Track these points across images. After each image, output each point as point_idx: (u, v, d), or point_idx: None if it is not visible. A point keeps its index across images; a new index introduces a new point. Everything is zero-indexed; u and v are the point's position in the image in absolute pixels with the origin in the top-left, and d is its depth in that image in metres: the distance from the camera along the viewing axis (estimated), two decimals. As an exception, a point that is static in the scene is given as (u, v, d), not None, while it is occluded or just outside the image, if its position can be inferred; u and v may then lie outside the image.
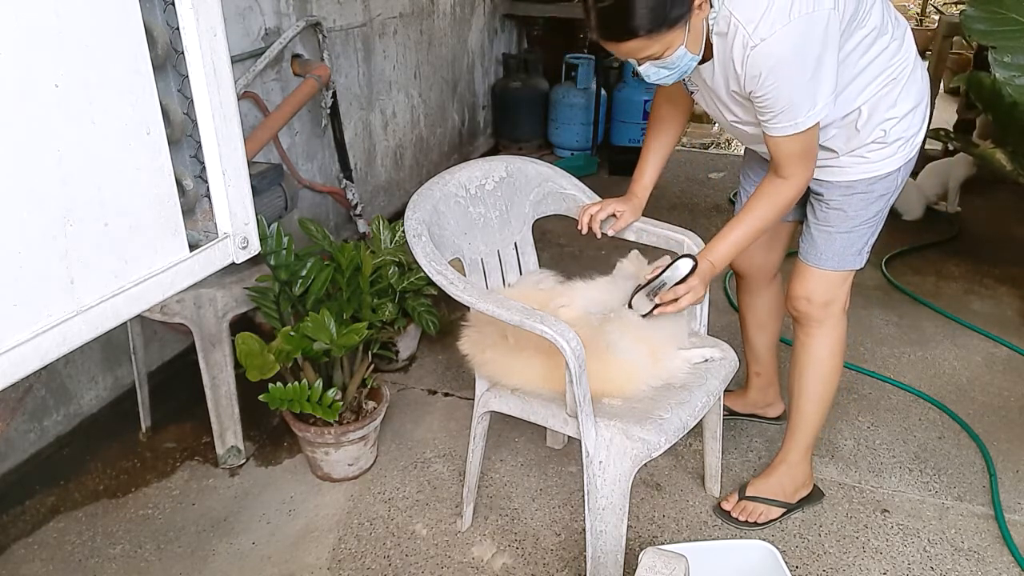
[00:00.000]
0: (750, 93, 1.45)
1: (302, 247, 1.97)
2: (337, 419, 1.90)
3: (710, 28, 1.42)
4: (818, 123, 1.46)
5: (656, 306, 1.60)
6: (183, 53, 0.94)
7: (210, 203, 1.02)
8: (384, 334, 2.15)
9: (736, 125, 1.64)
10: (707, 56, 1.48)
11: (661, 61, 1.42)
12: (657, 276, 1.60)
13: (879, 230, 1.74)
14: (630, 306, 1.63)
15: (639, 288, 1.62)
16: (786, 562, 1.54)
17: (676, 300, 1.58)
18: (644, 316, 1.61)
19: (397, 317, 2.04)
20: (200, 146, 0.99)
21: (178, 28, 0.92)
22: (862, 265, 1.75)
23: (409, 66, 3.50)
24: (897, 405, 2.41)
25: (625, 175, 2.52)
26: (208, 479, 2.07)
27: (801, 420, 1.88)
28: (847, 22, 1.43)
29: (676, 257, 1.59)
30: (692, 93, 1.68)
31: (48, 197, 0.81)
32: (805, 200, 1.77)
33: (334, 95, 2.72)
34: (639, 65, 1.46)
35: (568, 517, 1.95)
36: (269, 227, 1.85)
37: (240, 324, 2.03)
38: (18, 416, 1.89)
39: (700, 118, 5.13)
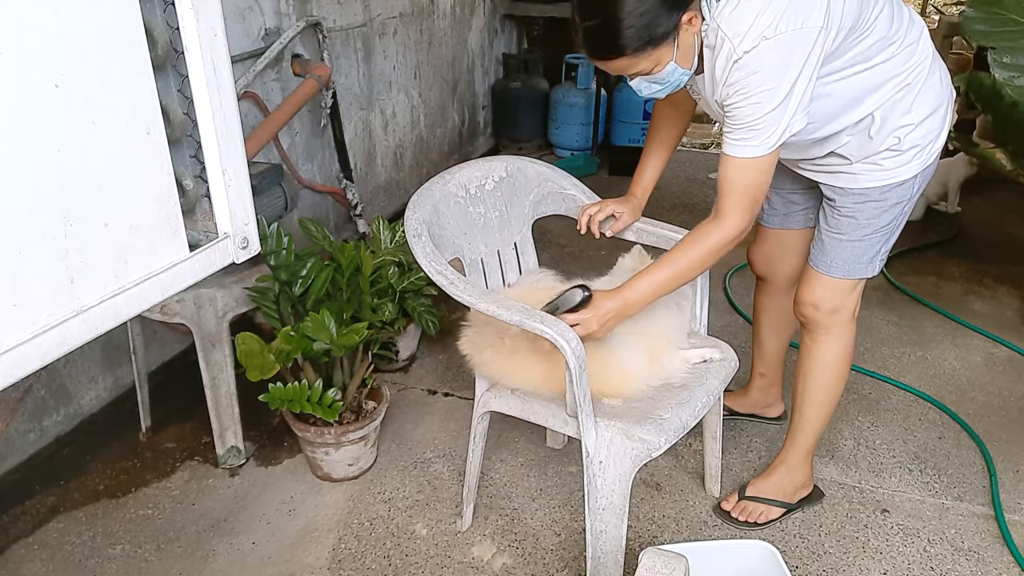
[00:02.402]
0: (723, 101, 1.42)
1: (302, 247, 1.97)
2: (337, 419, 1.90)
3: (702, 41, 1.41)
4: (771, 158, 1.42)
5: None
6: (183, 53, 0.93)
7: (210, 203, 1.02)
8: (384, 334, 2.15)
9: None
10: (702, 68, 1.47)
11: (652, 76, 1.42)
12: (555, 298, 1.52)
13: (895, 238, 1.69)
14: None
15: (544, 305, 1.54)
16: (786, 562, 1.54)
17: None
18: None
19: (397, 317, 2.04)
20: (200, 146, 0.99)
21: (178, 28, 0.92)
22: (874, 274, 1.70)
23: (409, 66, 3.50)
24: (897, 405, 2.41)
25: (625, 175, 2.52)
26: (208, 479, 2.07)
27: (803, 423, 1.87)
28: (846, 34, 1.40)
29: (574, 285, 1.53)
30: (697, 102, 1.67)
31: (48, 197, 0.81)
32: (818, 206, 1.75)
33: (334, 95, 2.72)
34: (630, 80, 1.45)
35: (568, 517, 1.95)
36: (269, 227, 1.85)
37: (240, 324, 2.03)
38: (18, 416, 1.89)
39: (700, 118, 5.13)
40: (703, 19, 1.37)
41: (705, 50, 1.42)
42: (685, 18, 1.34)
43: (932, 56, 1.57)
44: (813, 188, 1.77)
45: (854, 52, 1.45)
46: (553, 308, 1.52)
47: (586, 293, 1.50)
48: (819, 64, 1.37)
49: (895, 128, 1.55)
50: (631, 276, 1.56)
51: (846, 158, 1.60)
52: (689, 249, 1.52)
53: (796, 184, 1.82)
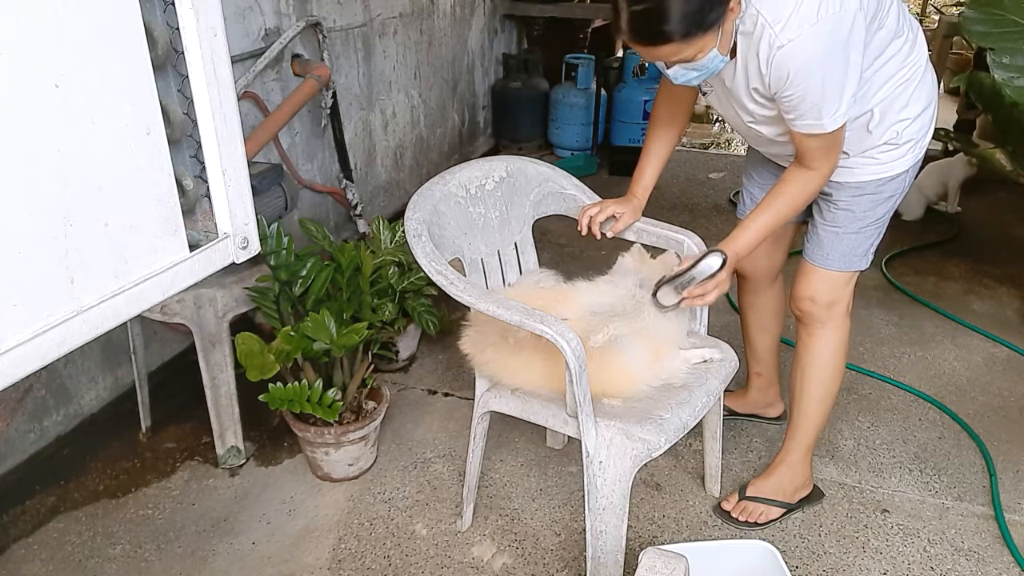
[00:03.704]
0: (775, 93, 1.44)
1: (302, 247, 1.97)
2: (337, 419, 1.90)
3: (736, 27, 1.41)
4: (843, 124, 1.46)
5: (683, 299, 1.60)
6: (183, 53, 0.94)
7: (210, 203, 1.02)
8: (384, 334, 2.15)
9: (752, 126, 1.63)
10: (733, 54, 1.47)
11: (692, 64, 1.40)
12: (686, 271, 1.58)
13: (884, 231, 1.74)
14: (654, 296, 1.63)
15: (665, 280, 1.61)
16: (786, 562, 1.54)
17: (704, 295, 1.58)
18: (666, 308, 1.62)
19: (397, 317, 2.04)
20: (200, 146, 0.99)
21: (178, 28, 0.92)
22: (867, 266, 1.75)
23: (409, 66, 3.50)
24: (897, 405, 2.41)
25: (625, 175, 2.51)
26: (208, 479, 2.07)
27: (802, 420, 1.87)
28: (869, 20, 1.42)
29: (704, 253, 1.58)
30: (705, 94, 1.66)
31: (48, 197, 0.81)
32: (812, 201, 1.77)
33: (334, 95, 2.72)
34: (667, 68, 1.44)
35: (568, 517, 1.95)
36: (269, 227, 1.85)
37: (240, 324, 2.03)
38: (18, 416, 1.89)
39: (700, 118, 5.13)
40: (740, 3, 1.37)
41: (740, 37, 1.42)
42: (730, 4, 1.33)
43: (926, 55, 1.61)
44: None
45: (872, 45, 1.47)
46: (690, 279, 1.57)
47: (724, 257, 1.56)
48: (862, 41, 1.39)
49: (893, 123, 1.58)
50: (736, 228, 1.62)
51: (844, 152, 1.61)
52: (787, 195, 1.57)
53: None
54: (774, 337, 2.14)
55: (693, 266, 1.58)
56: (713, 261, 1.56)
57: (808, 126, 1.45)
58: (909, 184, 1.68)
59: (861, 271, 1.76)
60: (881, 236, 1.73)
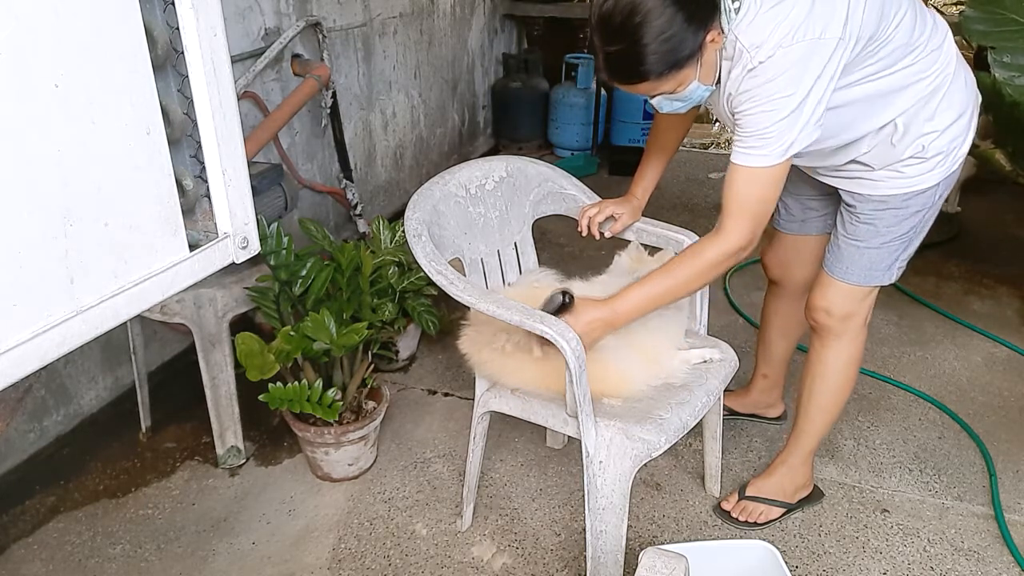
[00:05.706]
0: (733, 110, 1.40)
1: (302, 247, 1.97)
2: (337, 419, 1.90)
3: (719, 54, 1.39)
4: (780, 169, 1.39)
5: None
6: (183, 53, 0.93)
7: (210, 203, 1.02)
8: (384, 334, 2.15)
9: None
10: (719, 79, 1.45)
11: (674, 95, 1.40)
12: (546, 301, 1.50)
13: (915, 245, 1.65)
14: None
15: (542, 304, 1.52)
16: (786, 562, 1.54)
17: None
18: None
19: (397, 317, 2.04)
20: (200, 146, 0.99)
21: (178, 28, 0.92)
22: (891, 281, 1.66)
23: (409, 66, 3.50)
24: (897, 405, 2.40)
25: (625, 175, 2.52)
26: (208, 479, 2.07)
27: (807, 426, 1.86)
28: (864, 43, 1.37)
29: (558, 290, 1.49)
30: (708, 107, 1.66)
31: (48, 197, 0.81)
32: (836, 212, 1.71)
33: (334, 95, 2.72)
34: (651, 99, 1.44)
35: (568, 517, 1.95)
36: (269, 227, 1.85)
37: (240, 324, 2.03)
38: (18, 416, 1.89)
39: (700, 118, 5.11)
40: (723, 33, 1.35)
41: (723, 61, 1.40)
42: (708, 37, 1.32)
43: (956, 60, 1.53)
44: (832, 194, 1.74)
45: (873, 60, 1.42)
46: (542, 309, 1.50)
47: (565, 299, 1.47)
48: (836, 76, 1.34)
49: (919, 135, 1.51)
50: (626, 285, 1.52)
51: (868, 165, 1.56)
52: (686, 263, 1.48)
53: (815, 190, 1.80)
54: (791, 344, 2.12)
55: (544, 302, 1.49)
56: (555, 297, 1.47)
57: (746, 154, 1.38)
58: (941, 198, 1.58)
59: (883, 286, 1.68)
60: (910, 251, 1.64)
